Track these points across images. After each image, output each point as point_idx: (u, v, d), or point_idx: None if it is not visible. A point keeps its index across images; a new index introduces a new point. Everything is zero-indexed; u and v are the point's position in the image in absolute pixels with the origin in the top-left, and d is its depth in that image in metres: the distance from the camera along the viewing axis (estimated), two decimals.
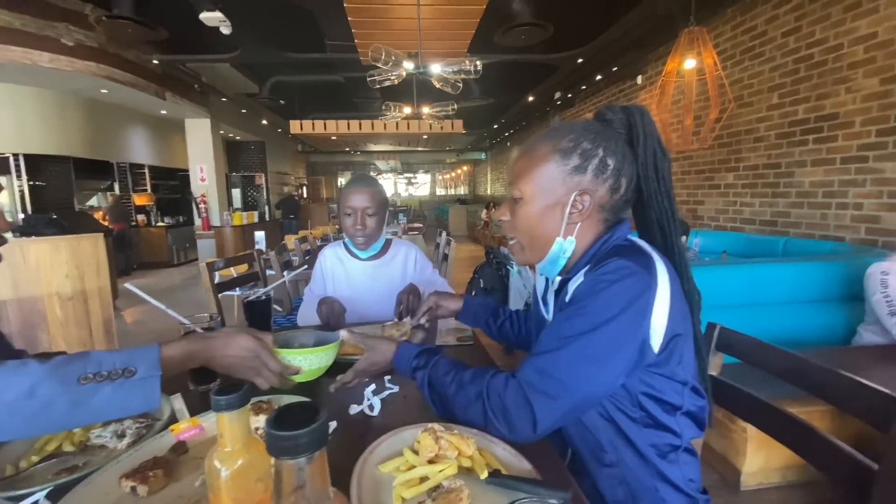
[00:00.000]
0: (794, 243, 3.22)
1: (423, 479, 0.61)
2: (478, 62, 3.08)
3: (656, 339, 0.66)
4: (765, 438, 0.93)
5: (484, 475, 0.61)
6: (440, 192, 20.81)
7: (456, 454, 0.64)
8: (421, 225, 7.41)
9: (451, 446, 0.65)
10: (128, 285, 0.92)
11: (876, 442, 0.70)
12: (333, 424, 0.77)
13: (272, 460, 0.26)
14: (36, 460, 0.69)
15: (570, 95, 7.51)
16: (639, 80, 5.64)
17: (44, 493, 0.59)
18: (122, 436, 0.75)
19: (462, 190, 20.14)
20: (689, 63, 3.51)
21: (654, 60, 5.33)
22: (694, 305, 0.76)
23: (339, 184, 18.91)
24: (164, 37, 4.29)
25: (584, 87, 6.91)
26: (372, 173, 19.53)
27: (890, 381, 1.37)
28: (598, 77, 6.22)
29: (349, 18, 3.35)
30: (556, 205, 0.74)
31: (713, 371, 1.05)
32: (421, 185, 20.92)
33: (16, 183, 5.97)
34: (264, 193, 10.78)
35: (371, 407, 0.86)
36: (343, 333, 0.89)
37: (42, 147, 6.17)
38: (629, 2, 4.25)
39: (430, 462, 0.63)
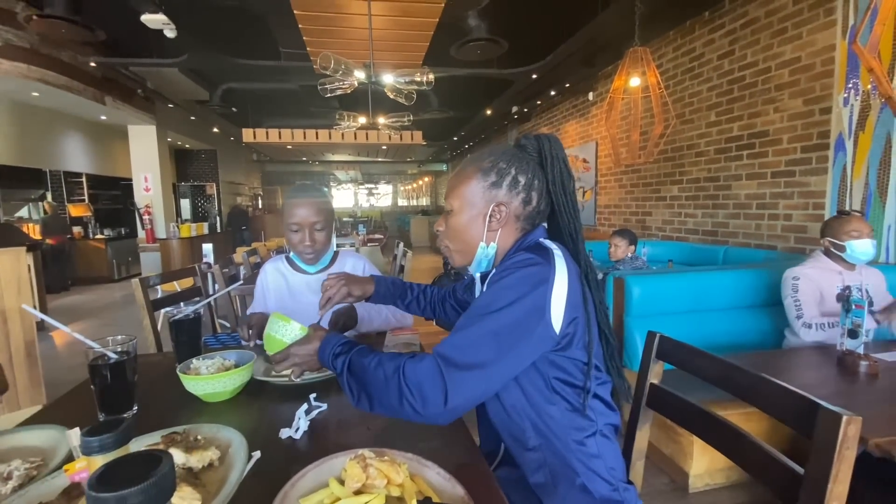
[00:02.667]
0: (732, 252, 3.41)
1: None
2: (430, 74, 3.09)
3: (557, 322, 0.74)
4: (700, 444, 0.96)
5: (413, 503, 0.57)
6: (402, 202, 20.72)
7: (385, 482, 0.60)
8: (381, 236, 7.32)
9: (379, 474, 0.61)
10: (25, 306, 0.82)
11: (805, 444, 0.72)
12: (257, 455, 0.71)
13: None
14: None
15: (526, 110, 7.70)
16: (590, 96, 5.87)
17: None
18: (7, 478, 0.65)
19: (424, 201, 20.15)
20: (635, 81, 3.68)
21: (603, 78, 5.57)
22: (595, 292, 0.85)
23: None
24: (101, 38, 4.04)
25: (539, 102, 7.11)
26: (332, 183, 19.22)
27: (815, 384, 1.46)
28: (553, 92, 6.42)
29: (300, 26, 3.28)
30: (478, 215, 0.86)
31: (654, 379, 1.07)
32: (383, 196, 20.76)
33: None
34: (216, 204, 10.32)
35: (297, 429, 0.82)
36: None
37: None
38: (578, 21, 4.42)
39: (357, 493, 0.59)
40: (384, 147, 8.10)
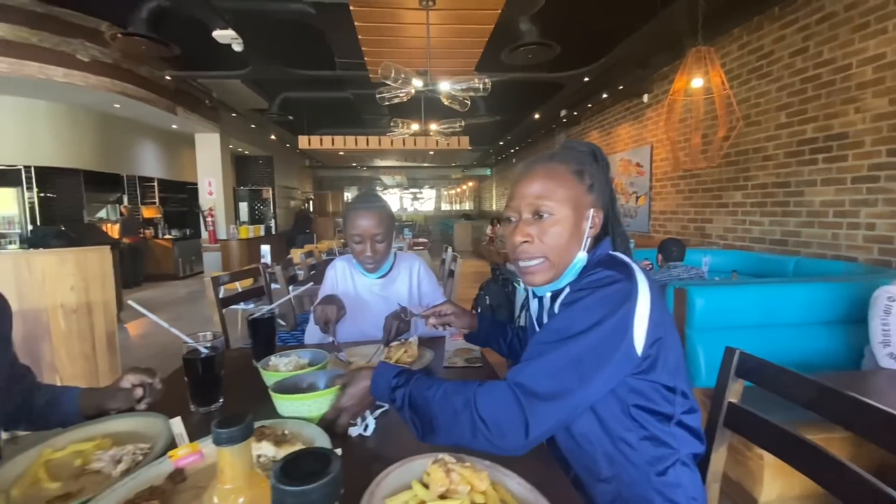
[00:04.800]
0: (805, 263, 3.17)
1: None
2: (487, 80, 3.10)
3: (639, 343, 0.69)
4: (782, 466, 0.89)
5: None
6: (445, 207, 20.86)
7: (468, 489, 0.61)
8: (426, 240, 7.40)
9: (462, 479, 0.61)
10: (130, 301, 0.90)
11: None
12: (338, 452, 0.74)
13: None
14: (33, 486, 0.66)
15: (575, 113, 7.56)
16: (645, 98, 5.67)
17: None
18: (118, 461, 0.72)
19: (467, 205, 20.19)
20: (697, 82, 3.52)
21: (660, 79, 5.36)
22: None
23: (345, 198, 19.02)
24: (176, 53, 4.37)
25: (590, 105, 6.95)
26: (378, 188, 19.68)
27: None
28: (605, 95, 6.26)
29: (359, 36, 3.39)
30: (580, 221, 0.79)
31: (733, 398, 1.01)
32: (426, 201, 21.00)
33: (26, 195, 6.04)
34: (271, 207, 10.84)
35: (366, 427, 0.84)
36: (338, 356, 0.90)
37: (53, 160, 6.26)
38: (635, 22, 4.29)
39: (441, 497, 0.60)
40: (431, 152, 8.20)
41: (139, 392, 0.85)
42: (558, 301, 0.80)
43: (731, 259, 3.73)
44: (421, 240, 7.20)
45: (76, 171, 6.59)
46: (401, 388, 0.73)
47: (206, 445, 0.72)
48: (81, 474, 0.70)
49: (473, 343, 1.19)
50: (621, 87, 5.84)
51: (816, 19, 3.30)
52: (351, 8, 2.92)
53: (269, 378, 0.95)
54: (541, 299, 0.89)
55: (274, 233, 10.29)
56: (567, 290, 0.78)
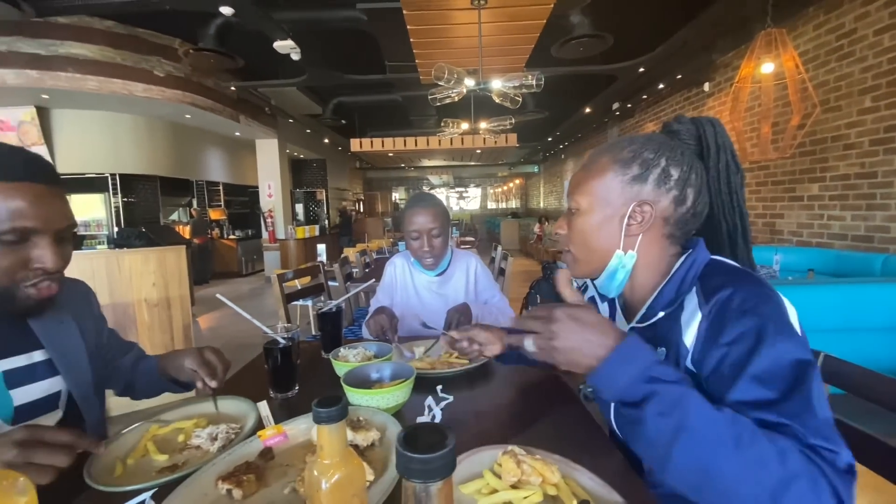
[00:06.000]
0: (895, 261, 2.87)
1: None
2: (541, 77, 3.06)
3: None
4: (874, 480, 0.82)
5: None
6: (491, 205, 20.77)
7: (540, 480, 0.62)
8: (473, 239, 7.41)
9: (534, 471, 0.62)
10: (219, 295, 0.98)
11: None
12: None
13: (402, 481, 0.26)
14: (143, 458, 0.75)
15: (629, 105, 7.28)
16: (706, 86, 5.36)
17: (149, 493, 0.64)
18: (214, 439, 0.79)
19: (513, 203, 19.99)
20: (767, 67, 3.29)
21: (722, 66, 5.05)
22: None
23: (393, 198, 19.44)
24: (241, 65, 4.65)
25: (644, 97, 6.67)
26: (424, 188, 19.94)
27: None
28: (661, 86, 5.98)
29: (411, 39, 3.46)
30: (613, 216, 0.71)
31: None
32: (472, 199, 21.01)
33: (112, 200, 6.68)
34: (324, 208, 11.29)
35: (433, 417, 0.88)
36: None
37: (134, 167, 6.87)
38: (696, 6, 4.07)
39: (513, 487, 0.61)
40: (478, 151, 8.20)
41: (198, 383, 0.87)
42: (683, 324, 0.65)
43: (806, 257, 3.45)
44: (468, 238, 7.22)
45: (153, 177, 7.20)
46: (669, 385, 0.53)
47: (290, 427, 0.78)
48: (184, 448, 0.78)
49: (504, 362, 1.10)
50: (680, 76, 5.56)
51: None
52: (404, 12, 2.99)
53: (340, 368, 1.01)
54: (612, 303, 0.83)
55: (327, 233, 10.72)
56: (695, 310, 0.64)
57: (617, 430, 0.79)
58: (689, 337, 0.64)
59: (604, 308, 0.85)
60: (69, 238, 0.76)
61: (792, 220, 4.09)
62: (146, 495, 0.63)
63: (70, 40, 4.93)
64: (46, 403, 0.80)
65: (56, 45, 4.89)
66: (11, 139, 5.93)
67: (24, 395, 0.77)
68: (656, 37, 4.80)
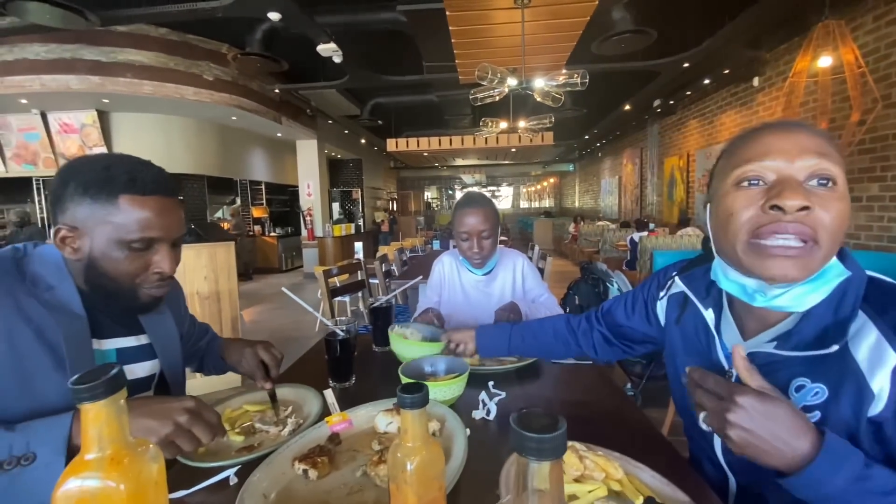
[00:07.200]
0: None
1: (572, 498, 0.60)
2: (586, 74, 3.02)
3: None
4: None
5: (639, 501, 0.59)
6: (524, 204, 20.57)
7: (603, 476, 0.63)
8: (506, 238, 7.38)
9: (597, 467, 0.63)
10: (284, 288, 1.04)
11: None
12: (468, 431, 0.79)
13: (516, 458, 0.28)
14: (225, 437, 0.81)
15: (671, 102, 7.05)
16: (755, 81, 5.13)
17: (234, 469, 0.69)
18: (284, 423, 0.84)
19: (547, 202, 19.71)
20: (824, 60, 3.12)
21: (773, 60, 4.82)
22: None
23: (425, 197, 19.57)
24: (285, 69, 4.82)
25: (688, 93, 6.44)
26: (457, 186, 19.98)
27: None
28: (707, 81, 5.76)
29: (453, 40, 3.49)
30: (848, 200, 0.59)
31: None
32: (504, 198, 20.88)
33: None
34: (360, 207, 11.52)
35: (488, 411, 0.89)
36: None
37: (184, 167, 7.23)
38: None
39: (576, 481, 0.63)
40: (513, 149, 8.15)
41: (257, 382, 0.94)
42: (862, 344, 0.55)
43: (865, 261, 3.22)
44: (501, 238, 7.19)
45: (201, 176, 7.56)
46: (882, 498, 0.48)
47: (354, 415, 0.82)
48: (256, 431, 0.83)
49: (482, 354, 1.10)
50: (727, 72, 5.34)
51: None
52: (447, 13, 3.02)
53: (396, 341, 1.07)
54: (718, 310, 0.72)
55: (363, 231, 10.93)
56: (869, 328, 0.55)
57: (721, 459, 0.72)
58: (878, 383, 0.53)
59: (709, 315, 0.72)
60: (180, 244, 0.83)
61: (850, 223, 3.86)
62: (230, 471, 0.69)
63: (128, 47, 5.25)
64: (145, 383, 0.88)
65: (116, 52, 5.22)
66: (75, 141, 6.39)
67: (130, 372, 0.85)
68: (702, 31, 4.63)
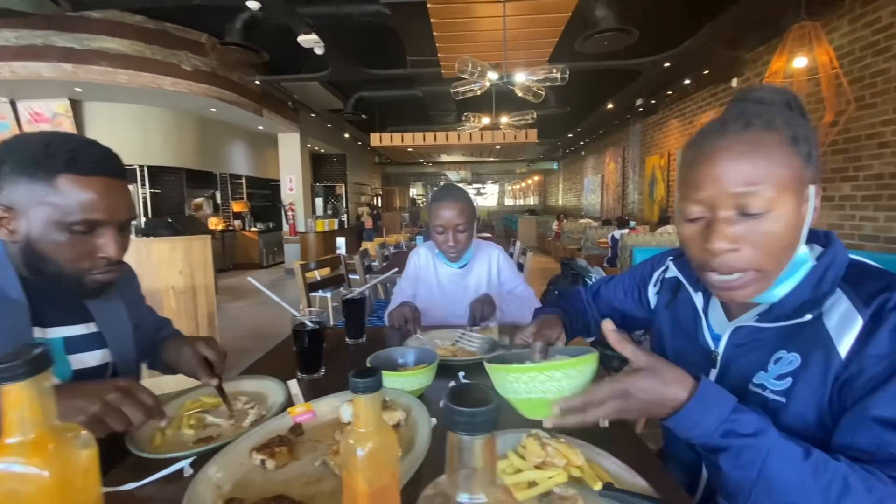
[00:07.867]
0: None
1: (532, 484, 0.60)
2: (566, 69, 3.03)
3: None
4: None
5: (597, 487, 0.58)
6: (508, 202, 20.67)
7: (564, 462, 0.63)
8: (490, 235, 7.40)
9: (558, 454, 0.63)
10: (250, 278, 1.01)
11: None
12: (433, 421, 0.78)
13: (449, 435, 0.27)
14: (178, 430, 0.78)
15: (653, 101, 7.15)
16: (734, 82, 5.23)
17: (188, 461, 0.67)
18: (245, 414, 0.82)
19: (531, 200, 19.85)
20: (800, 62, 3.19)
21: (752, 61, 4.92)
22: None
23: (410, 193, 19.50)
24: (265, 59, 4.73)
25: (669, 93, 6.54)
26: (441, 183, 19.97)
27: None
28: (687, 81, 5.86)
29: (434, 33, 3.47)
30: (799, 206, 0.58)
31: None
32: (489, 196, 20.94)
33: (140, 190, 6.88)
34: (344, 202, 11.41)
35: None
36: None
37: (161, 159, 7.05)
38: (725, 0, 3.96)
39: (537, 468, 0.62)
40: (498, 146, 8.17)
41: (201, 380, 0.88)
42: (845, 335, 0.56)
43: None
44: (485, 234, 7.22)
45: (179, 169, 7.39)
46: (745, 439, 0.52)
47: (318, 406, 0.81)
48: (209, 424, 0.81)
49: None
50: (706, 72, 5.44)
51: None
52: (429, 6, 2.99)
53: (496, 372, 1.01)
54: (707, 293, 0.75)
55: (346, 226, 10.84)
56: (855, 316, 0.56)
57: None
58: (846, 346, 0.56)
59: (698, 298, 0.76)
60: (128, 228, 0.80)
61: (822, 221, 3.97)
62: (185, 462, 0.66)
63: (102, 34, 5.07)
64: (98, 372, 0.85)
65: (89, 39, 5.04)
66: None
67: (79, 362, 0.82)
68: (683, 31, 4.70)
